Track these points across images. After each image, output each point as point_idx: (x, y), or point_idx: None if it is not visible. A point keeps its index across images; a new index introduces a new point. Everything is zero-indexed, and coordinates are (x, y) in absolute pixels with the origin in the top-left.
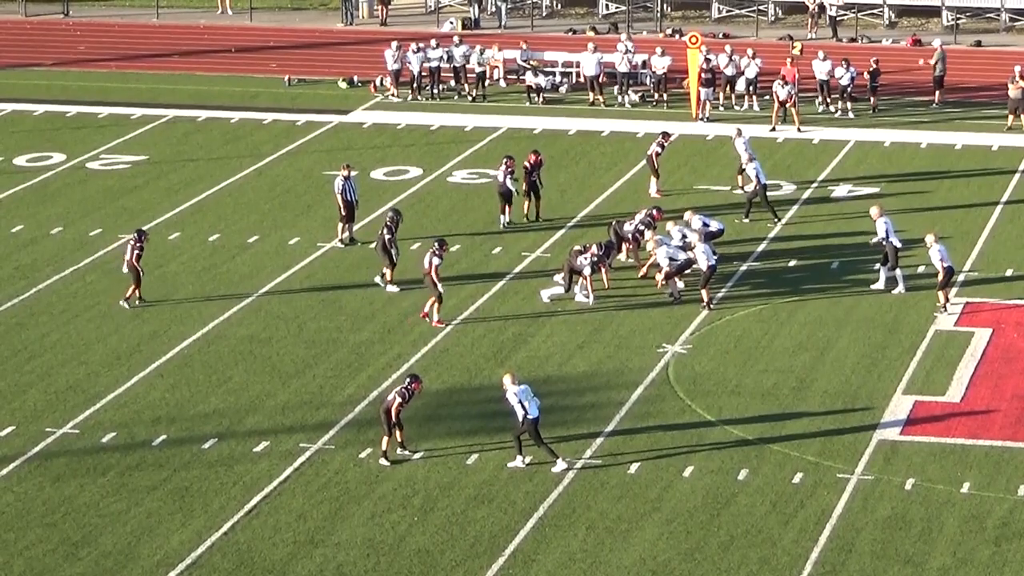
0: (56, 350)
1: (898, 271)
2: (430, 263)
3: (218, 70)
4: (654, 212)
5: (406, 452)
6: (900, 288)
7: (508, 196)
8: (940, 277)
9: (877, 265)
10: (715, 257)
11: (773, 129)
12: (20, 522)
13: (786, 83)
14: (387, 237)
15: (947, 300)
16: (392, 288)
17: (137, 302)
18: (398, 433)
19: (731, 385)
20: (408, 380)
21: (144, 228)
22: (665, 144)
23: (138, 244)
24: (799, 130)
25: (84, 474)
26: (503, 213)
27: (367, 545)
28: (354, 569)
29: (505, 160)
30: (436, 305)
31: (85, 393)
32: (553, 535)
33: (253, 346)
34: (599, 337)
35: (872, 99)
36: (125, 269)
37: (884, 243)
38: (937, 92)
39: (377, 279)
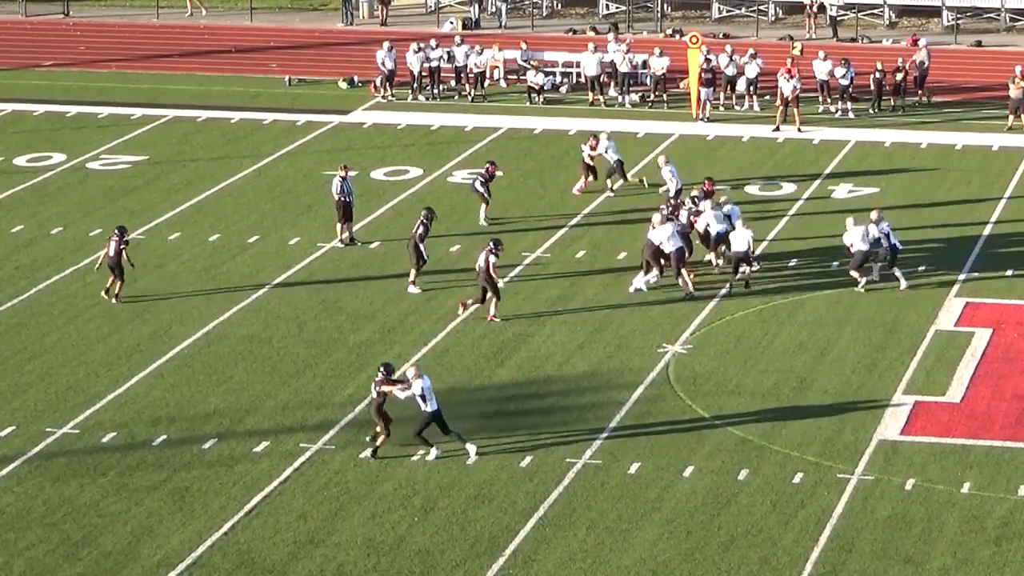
0: (56, 350)
1: (896, 269)
2: (487, 261)
3: (218, 70)
4: (705, 184)
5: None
6: (903, 284)
7: (482, 196)
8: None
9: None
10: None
11: (776, 129)
12: (20, 522)
13: (791, 77)
14: (419, 233)
15: (865, 281)
16: (414, 289)
17: (115, 299)
18: (384, 425)
19: (731, 385)
20: (381, 368)
21: (125, 225)
22: (596, 147)
23: (122, 240)
24: (799, 130)
25: (84, 474)
26: (482, 210)
27: (367, 545)
28: (354, 569)
29: (487, 165)
30: (495, 302)
31: (85, 393)
32: (553, 535)
33: (253, 346)
34: (599, 337)
35: (921, 94)
36: (107, 264)
37: (881, 239)
38: (919, 90)
39: (412, 289)
